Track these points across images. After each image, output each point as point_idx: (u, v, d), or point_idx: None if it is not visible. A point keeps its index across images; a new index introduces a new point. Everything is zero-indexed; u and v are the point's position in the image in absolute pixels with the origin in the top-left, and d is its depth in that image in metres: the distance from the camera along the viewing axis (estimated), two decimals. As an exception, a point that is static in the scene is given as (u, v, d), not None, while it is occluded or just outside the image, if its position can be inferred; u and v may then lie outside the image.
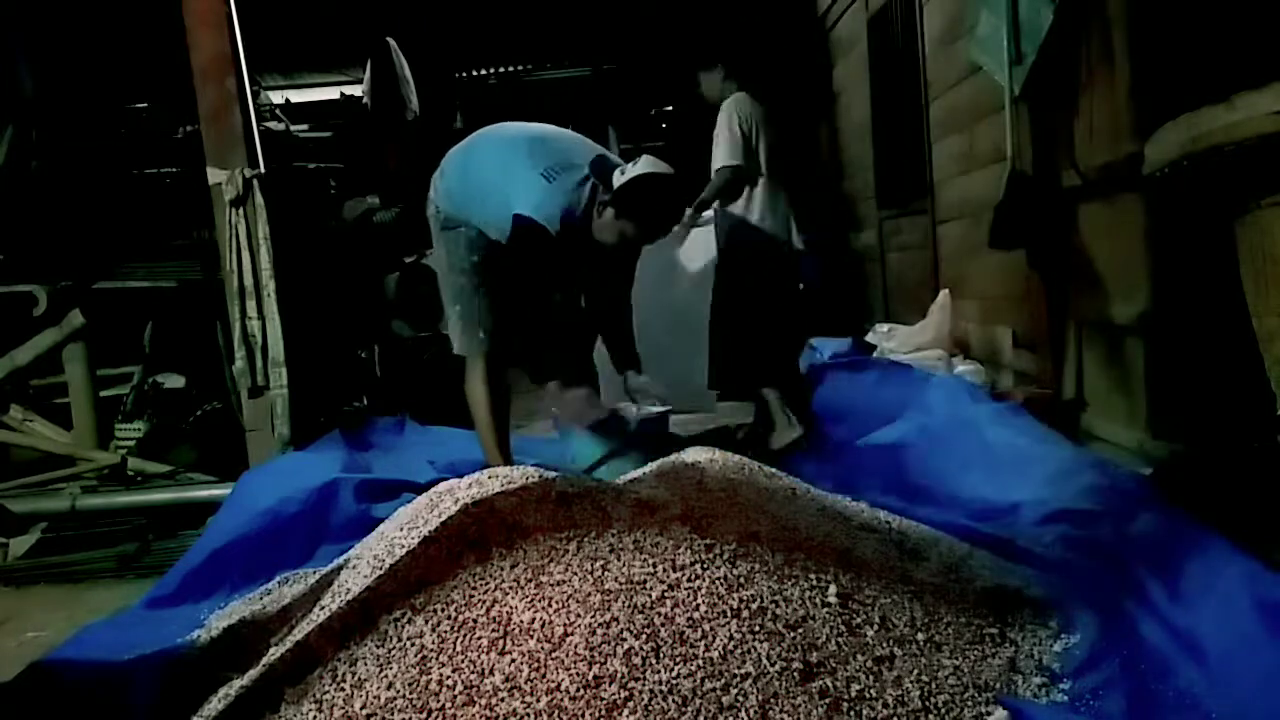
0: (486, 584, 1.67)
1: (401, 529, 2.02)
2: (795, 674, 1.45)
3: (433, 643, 1.56)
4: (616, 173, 2.78)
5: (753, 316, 3.84)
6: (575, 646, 1.48)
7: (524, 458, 2.98)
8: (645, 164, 2.77)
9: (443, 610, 1.64)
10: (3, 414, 3.68)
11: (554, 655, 1.47)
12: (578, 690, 1.41)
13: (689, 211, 3.75)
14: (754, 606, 1.58)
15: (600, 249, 2.88)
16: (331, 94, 7.71)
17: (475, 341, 3.02)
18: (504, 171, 2.86)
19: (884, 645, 1.58)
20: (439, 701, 1.44)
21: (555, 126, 3.13)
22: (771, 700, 1.40)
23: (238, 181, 3.25)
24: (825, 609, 1.63)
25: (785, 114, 7.51)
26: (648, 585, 1.62)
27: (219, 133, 3.31)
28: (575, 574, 1.65)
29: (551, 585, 1.63)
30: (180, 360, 3.90)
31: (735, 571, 1.67)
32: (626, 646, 1.47)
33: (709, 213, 3.97)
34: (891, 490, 2.73)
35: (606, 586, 1.61)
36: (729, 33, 7.39)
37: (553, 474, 2.21)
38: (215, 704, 1.68)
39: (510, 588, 1.64)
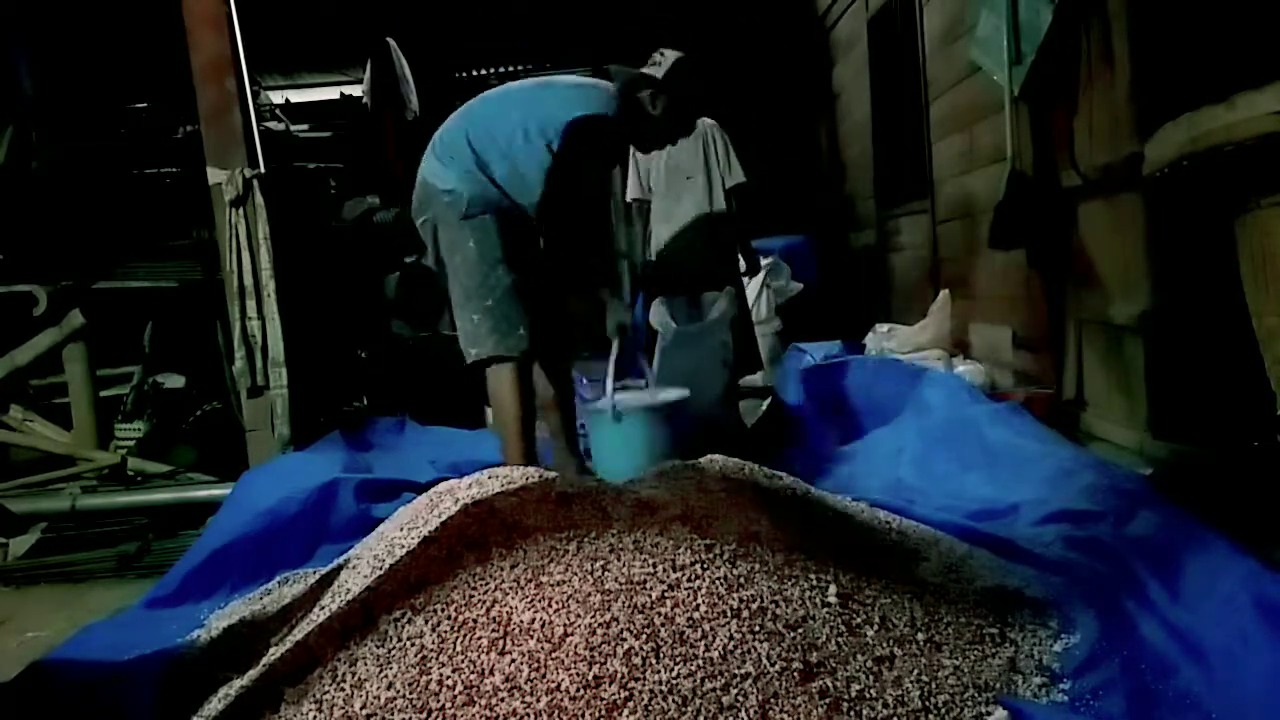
0: (486, 584, 1.67)
1: (401, 529, 2.02)
2: (795, 674, 1.45)
3: (433, 643, 1.56)
4: (648, 67, 2.84)
5: None
6: (575, 646, 1.48)
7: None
8: (673, 52, 2.87)
9: (443, 610, 1.63)
10: (3, 414, 3.68)
11: (554, 655, 1.47)
12: (578, 690, 1.40)
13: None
14: (754, 606, 1.58)
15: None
16: (331, 94, 7.71)
17: (514, 340, 2.67)
18: (530, 110, 2.71)
19: (884, 645, 1.58)
20: (439, 701, 1.44)
21: None
22: (771, 700, 1.40)
23: (238, 181, 3.25)
24: (825, 609, 1.63)
25: (786, 114, 7.57)
26: (648, 585, 1.61)
27: (219, 133, 3.31)
28: (575, 574, 1.65)
29: (551, 585, 1.63)
30: (180, 360, 3.90)
31: (735, 571, 1.67)
32: (626, 646, 1.47)
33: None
34: (891, 490, 2.73)
35: (606, 586, 1.61)
36: (729, 33, 7.39)
37: (553, 474, 2.21)
38: (215, 704, 1.68)
39: (510, 588, 1.64)
